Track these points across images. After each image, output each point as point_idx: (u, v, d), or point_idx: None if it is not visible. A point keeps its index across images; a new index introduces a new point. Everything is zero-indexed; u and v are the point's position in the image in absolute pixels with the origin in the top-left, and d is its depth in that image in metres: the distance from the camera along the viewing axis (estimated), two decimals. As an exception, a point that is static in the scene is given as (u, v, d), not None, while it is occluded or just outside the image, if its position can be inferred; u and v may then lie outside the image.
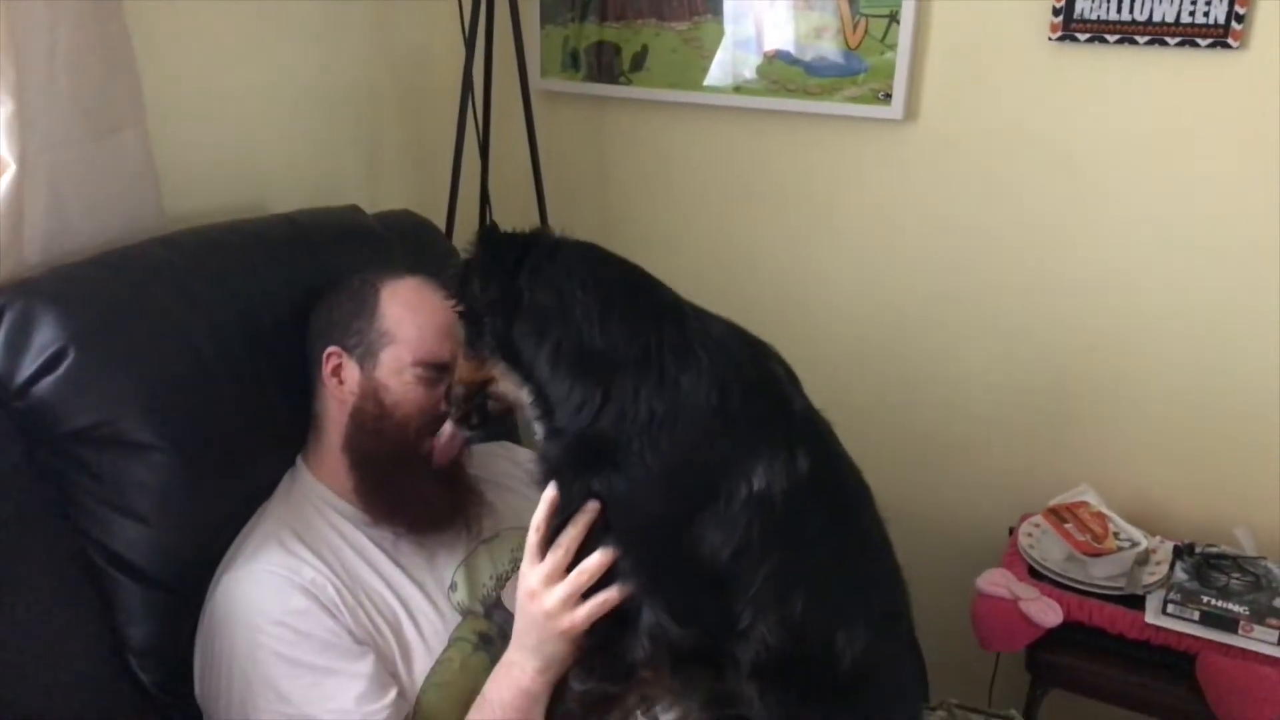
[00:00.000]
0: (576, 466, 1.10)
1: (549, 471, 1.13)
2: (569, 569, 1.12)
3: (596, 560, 1.10)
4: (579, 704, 1.15)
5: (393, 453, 1.37)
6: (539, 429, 1.14)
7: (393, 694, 1.25)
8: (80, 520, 1.28)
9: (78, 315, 1.29)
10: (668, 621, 1.06)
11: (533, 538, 1.16)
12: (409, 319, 1.40)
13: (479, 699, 1.23)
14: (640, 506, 1.07)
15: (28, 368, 1.25)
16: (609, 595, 1.11)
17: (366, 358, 1.40)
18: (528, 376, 1.12)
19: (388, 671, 1.28)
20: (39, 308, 1.27)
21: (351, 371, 1.40)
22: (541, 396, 1.11)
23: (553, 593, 1.13)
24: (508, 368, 1.15)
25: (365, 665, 1.24)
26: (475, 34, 2.03)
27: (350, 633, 1.27)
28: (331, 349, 1.42)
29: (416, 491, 1.37)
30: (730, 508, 1.03)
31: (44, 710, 1.16)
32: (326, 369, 1.42)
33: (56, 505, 1.25)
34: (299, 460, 1.46)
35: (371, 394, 1.38)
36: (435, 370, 1.39)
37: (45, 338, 1.26)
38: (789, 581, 1.04)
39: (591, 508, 1.09)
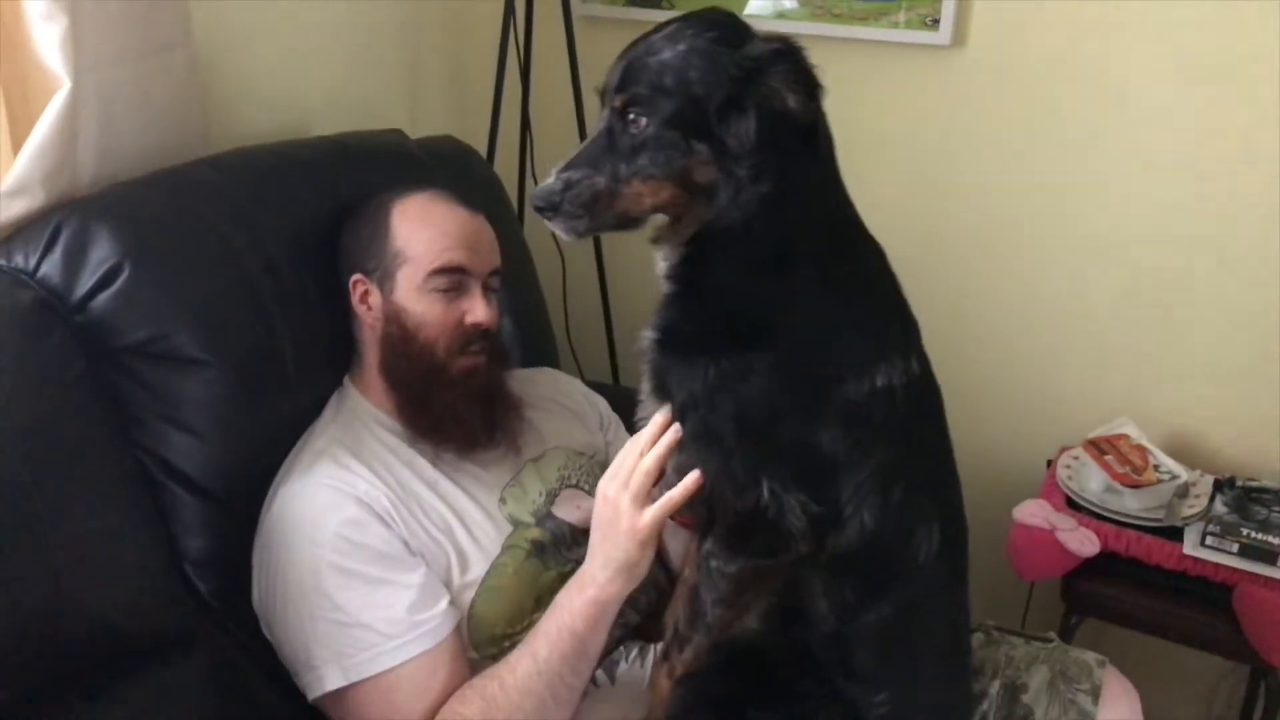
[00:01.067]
0: (710, 340, 1.10)
1: (671, 342, 1.12)
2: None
3: (657, 453, 1.13)
4: (731, 585, 1.14)
5: (425, 374, 1.39)
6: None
7: (444, 603, 1.28)
8: (137, 433, 1.30)
9: (132, 232, 1.31)
10: (806, 500, 1.08)
11: (619, 456, 1.19)
12: (418, 233, 1.41)
13: (552, 604, 1.25)
14: (773, 389, 1.08)
15: (85, 283, 1.27)
16: (674, 494, 1.13)
17: (385, 281, 1.41)
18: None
19: (441, 579, 1.31)
20: (95, 224, 1.30)
21: (375, 297, 1.42)
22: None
23: (625, 494, 1.16)
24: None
25: (417, 575, 1.27)
26: (516, -42, 2.01)
27: (405, 542, 1.30)
28: (356, 276, 1.44)
29: (452, 410, 1.39)
30: (855, 401, 1.07)
31: (104, 614, 1.19)
32: (355, 296, 1.44)
33: (115, 418, 1.28)
34: (346, 380, 1.48)
35: (395, 318, 1.40)
36: (450, 277, 1.39)
37: (101, 253, 1.28)
38: (893, 473, 1.09)
39: (674, 436, 1.12)
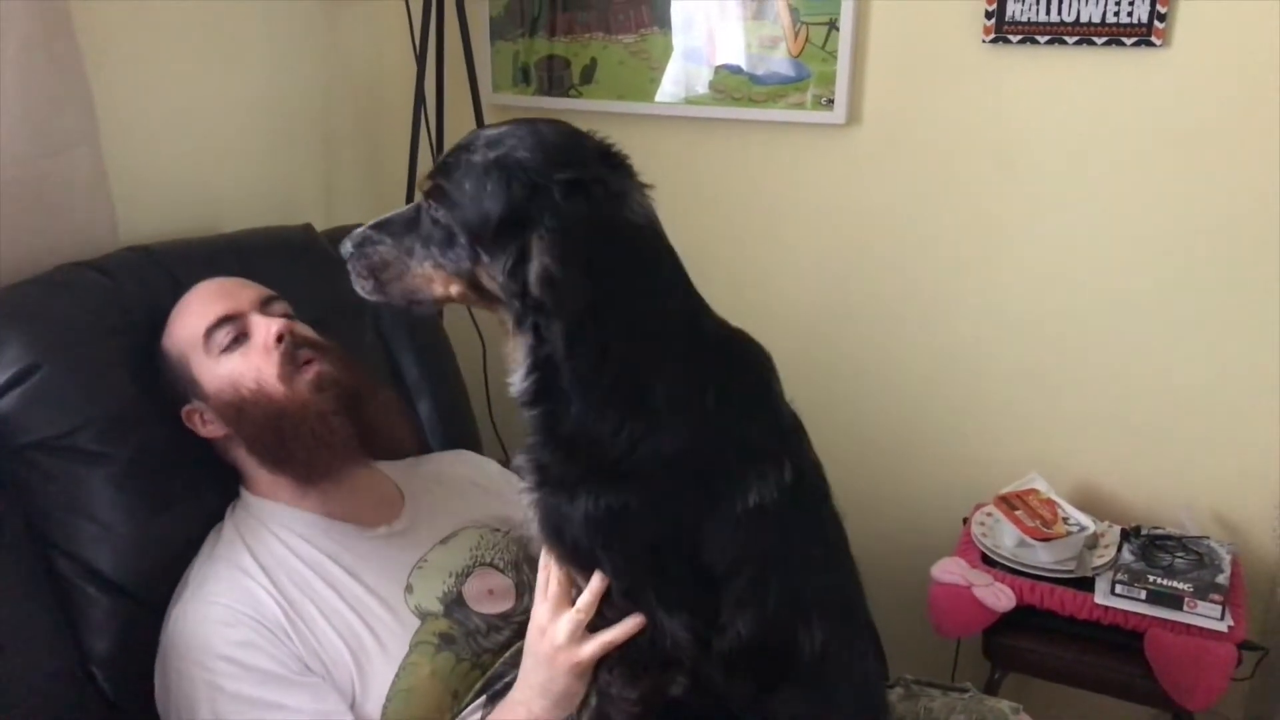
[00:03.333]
0: (582, 477, 1.05)
1: (548, 482, 1.08)
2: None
3: (597, 584, 1.09)
4: (637, 706, 1.12)
5: (274, 418, 1.34)
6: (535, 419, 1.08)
7: None
8: (44, 528, 1.30)
9: (42, 332, 1.33)
10: (686, 624, 1.07)
11: (542, 576, 1.15)
12: (179, 330, 1.40)
13: None
14: (651, 521, 1.05)
15: (-5, 381, 1.28)
16: (616, 632, 1.10)
17: (194, 388, 1.38)
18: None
19: (345, 690, 1.29)
20: (2, 323, 1.32)
21: (204, 411, 1.40)
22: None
23: (559, 626, 1.12)
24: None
25: (310, 699, 1.25)
26: (426, 50, 2.06)
27: (300, 659, 1.27)
28: (184, 410, 1.40)
29: (315, 433, 1.35)
30: (729, 521, 1.05)
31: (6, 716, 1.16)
32: (197, 427, 1.41)
33: (20, 515, 1.27)
34: (240, 488, 1.46)
35: (221, 401, 1.37)
36: (223, 328, 1.37)
37: (13, 353, 1.30)
38: (767, 582, 1.08)
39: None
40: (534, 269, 0.97)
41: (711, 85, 2.09)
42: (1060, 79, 1.86)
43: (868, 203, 2.07)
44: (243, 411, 1.35)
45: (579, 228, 0.97)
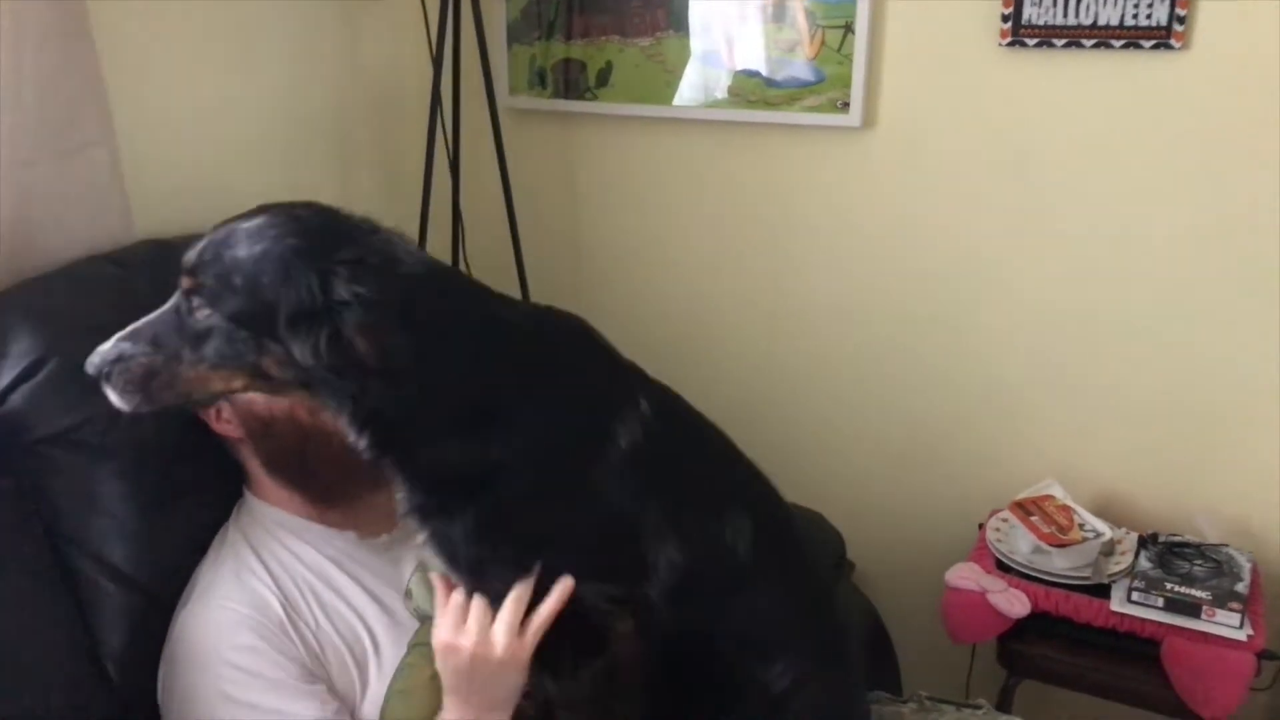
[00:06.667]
0: (453, 496, 1.09)
1: (429, 516, 1.11)
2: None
3: (526, 583, 1.10)
4: (588, 689, 1.13)
5: (298, 443, 1.33)
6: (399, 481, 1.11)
7: None
8: (57, 523, 1.30)
9: (51, 324, 1.32)
10: (601, 587, 1.09)
11: (441, 595, 1.15)
12: None
13: None
14: (528, 512, 1.09)
15: (5, 376, 1.28)
16: (548, 607, 1.10)
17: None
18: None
19: (345, 694, 1.29)
20: (14, 319, 1.32)
21: (222, 409, 1.36)
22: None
23: (465, 635, 1.11)
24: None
25: (313, 707, 1.24)
26: (442, 53, 2.07)
27: (301, 664, 1.27)
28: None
29: (337, 463, 1.31)
30: (612, 473, 1.08)
31: (19, 714, 1.17)
32: (212, 421, 1.37)
33: (34, 512, 1.28)
34: (245, 491, 1.44)
35: (249, 413, 1.34)
36: None
37: (22, 347, 1.30)
38: (678, 507, 1.11)
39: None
40: (360, 346, 0.99)
41: (730, 89, 2.09)
42: (1077, 82, 1.85)
43: (883, 205, 2.06)
44: (269, 428, 1.34)
45: (382, 300, 1.00)
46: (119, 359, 1.06)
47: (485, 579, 1.11)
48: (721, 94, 2.10)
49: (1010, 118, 1.91)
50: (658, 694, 1.15)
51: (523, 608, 1.10)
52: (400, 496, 1.12)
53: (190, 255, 1.06)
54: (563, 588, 1.09)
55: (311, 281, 0.99)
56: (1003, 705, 1.82)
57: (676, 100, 2.14)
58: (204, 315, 1.04)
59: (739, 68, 2.07)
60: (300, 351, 1.01)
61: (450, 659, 1.13)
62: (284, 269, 1.00)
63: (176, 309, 1.06)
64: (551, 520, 1.10)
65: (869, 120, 2.01)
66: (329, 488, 1.36)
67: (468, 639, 1.11)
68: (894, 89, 1.99)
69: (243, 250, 1.02)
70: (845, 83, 1.98)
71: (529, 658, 1.12)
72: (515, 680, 1.13)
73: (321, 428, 1.32)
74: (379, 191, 2.29)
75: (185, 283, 1.05)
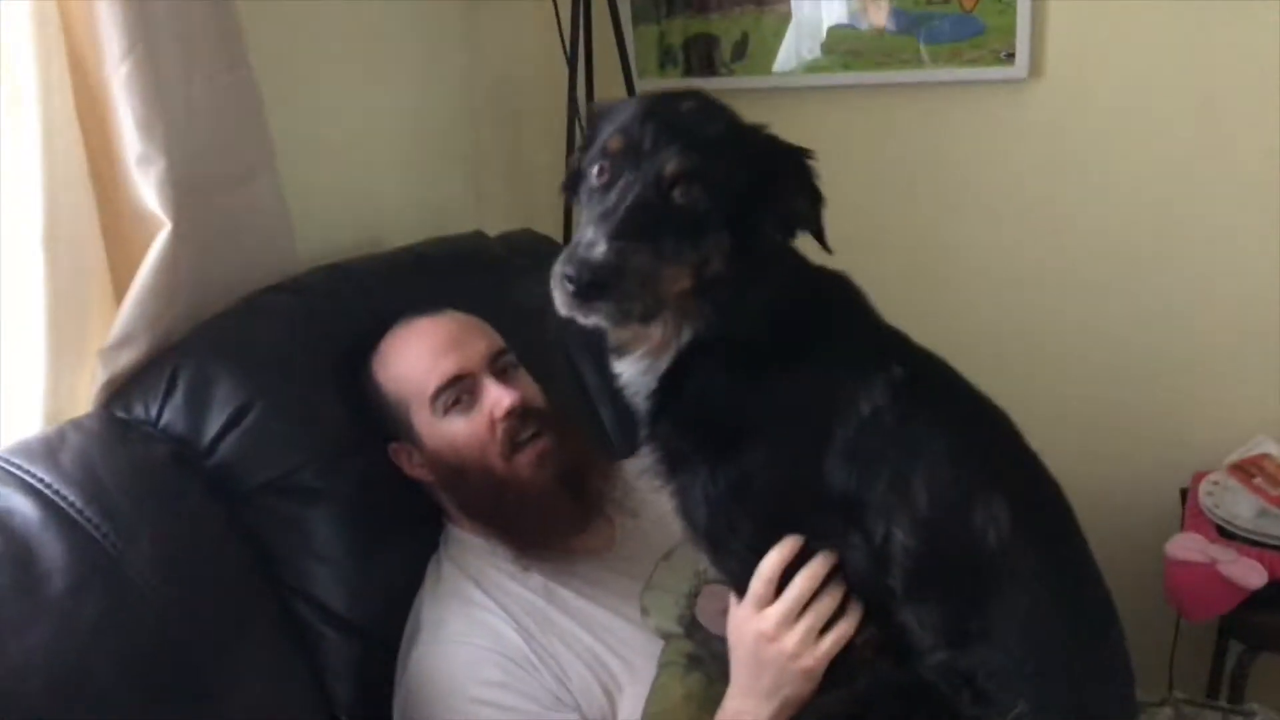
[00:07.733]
0: (719, 444, 1.06)
1: (676, 467, 1.09)
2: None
3: (804, 583, 1.07)
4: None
5: (494, 492, 1.31)
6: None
7: None
8: (281, 574, 1.27)
9: (253, 368, 1.29)
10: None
11: (759, 587, 1.10)
12: (402, 374, 1.35)
13: None
14: (781, 477, 1.06)
15: (213, 425, 1.26)
16: (846, 626, 1.08)
17: (410, 434, 1.34)
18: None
19: (598, 717, 1.24)
20: (213, 365, 1.28)
21: (415, 454, 1.35)
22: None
23: (792, 632, 1.08)
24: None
25: None
26: (576, 49, 2.00)
27: (550, 691, 1.23)
28: (392, 447, 1.36)
29: (538, 511, 1.31)
30: (847, 439, 1.03)
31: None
32: (404, 466, 1.36)
33: (260, 563, 1.24)
34: (447, 524, 1.41)
35: (439, 460, 1.33)
36: (452, 389, 1.31)
37: (225, 392, 1.26)
38: (905, 479, 1.02)
39: (826, 559, 1.07)
40: (797, 208, 1.03)
41: (873, 46, 1.98)
42: (1270, 28, 1.72)
43: (1055, 163, 1.96)
44: (463, 476, 1.31)
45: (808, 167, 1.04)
46: (622, 258, 0.93)
47: (724, 540, 1.10)
48: (867, 56, 1.99)
49: (1194, 63, 1.80)
50: None
51: (822, 619, 1.07)
52: (646, 447, 1.11)
53: (642, 136, 0.97)
54: (858, 611, 1.07)
55: (766, 152, 1.03)
56: (1235, 684, 1.72)
57: (813, 67, 2.04)
58: (690, 201, 0.97)
59: (888, 27, 1.96)
60: (763, 227, 1.02)
61: (764, 649, 1.10)
62: (745, 144, 1.02)
63: (645, 199, 0.95)
64: (785, 498, 1.07)
65: (1035, 70, 1.90)
66: (528, 536, 1.32)
67: (791, 638, 1.08)
68: (1062, 36, 1.88)
69: (711, 128, 1.00)
70: (1009, 31, 1.87)
71: (817, 671, 1.08)
72: (803, 686, 1.09)
73: (517, 476, 1.30)
74: (509, 194, 2.24)
75: (669, 168, 0.96)
